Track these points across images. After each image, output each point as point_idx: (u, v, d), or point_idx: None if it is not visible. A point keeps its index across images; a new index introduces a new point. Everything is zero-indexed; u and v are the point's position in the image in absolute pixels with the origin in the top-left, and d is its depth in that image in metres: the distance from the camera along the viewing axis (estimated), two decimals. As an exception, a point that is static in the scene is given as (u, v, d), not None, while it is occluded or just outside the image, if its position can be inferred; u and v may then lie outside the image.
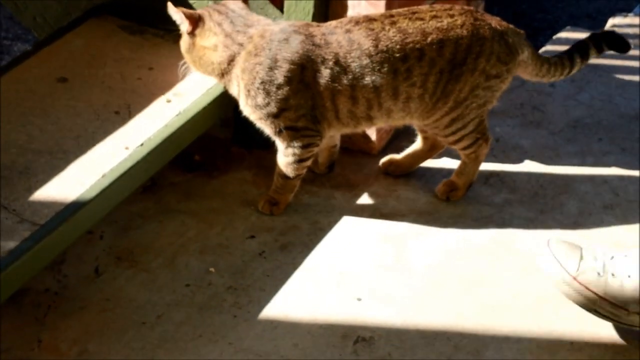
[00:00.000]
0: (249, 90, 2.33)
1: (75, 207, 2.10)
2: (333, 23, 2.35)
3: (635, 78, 2.96)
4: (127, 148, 2.25)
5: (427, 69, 2.30)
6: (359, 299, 2.25)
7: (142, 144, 2.26)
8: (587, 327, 2.19)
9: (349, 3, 2.53)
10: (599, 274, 2.10)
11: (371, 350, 2.14)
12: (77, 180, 2.16)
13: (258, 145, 2.64)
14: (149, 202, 2.48)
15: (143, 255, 2.33)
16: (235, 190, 2.53)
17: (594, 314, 2.12)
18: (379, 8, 2.48)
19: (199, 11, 2.35)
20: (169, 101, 2.39)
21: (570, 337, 2.18)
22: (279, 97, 2.31)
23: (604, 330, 2.18)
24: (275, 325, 2.18)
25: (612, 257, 2.12)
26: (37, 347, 2.10)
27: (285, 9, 2.54)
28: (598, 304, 2.10)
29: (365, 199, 2.53)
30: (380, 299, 2.25)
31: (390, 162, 2.60)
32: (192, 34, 2.33)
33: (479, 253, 2.37)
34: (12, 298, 2.11)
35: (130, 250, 2.34)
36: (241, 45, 2.32)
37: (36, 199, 2.10)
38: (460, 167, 2.51)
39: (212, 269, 2.31)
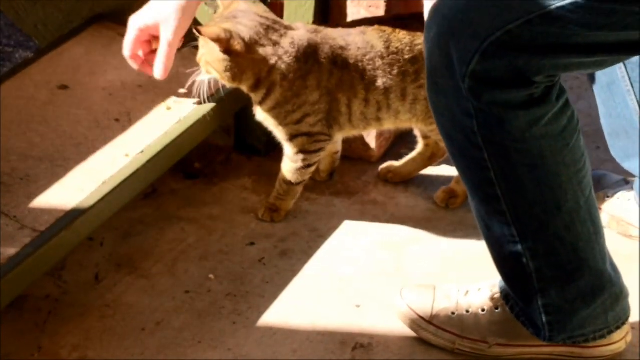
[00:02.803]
0: (285, 97, 2.32)
1: (75, 214, 2.11)
2: (347, 24, 2.37)
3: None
4: (127, 155, 2.26)
5: None
6: (358, 306, 2.26)
7: (142, 151, 2.27)
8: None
9: (349, 12, 2.54)
10: (452, 313, 2.13)
11: (369, 356, 2.15)
12: (78, 187, 2.17)
13: (258, 152, 2.65)
14: (149, 209, 2.49)
15: (143, 262, 2.34)
16: (235, 197, 2.54)
17: (458, 352, 2.14)
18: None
19: (226, 26, 2.28)
20: (169, 109, 2.40)
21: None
22: (307, 103, 2.32)
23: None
24: (275, 332, 2.19)
25: (467, 292, 2.15)
26: (37, 353, 2.10)
27: (285, 18, 2.55)
28: (458, 343, 2.13)
29: (364, 206, 2.54)
30: (379, 306, 2.25)
31: (389, 170, 2.61)
32: (227, 51, 2.27)
33: (478, 260, 2.38)
34: (13, 304, 2.11)
35: (130, 256, 2.35)
36: (284, 50, 2.31)
37: (37, 206, 2.11)
38: (460, 174, 2.52)
39: (211, 276, 2.32)
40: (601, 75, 2.38)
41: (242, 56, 2.28)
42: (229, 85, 2.35)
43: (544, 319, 2.04)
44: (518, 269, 2.00)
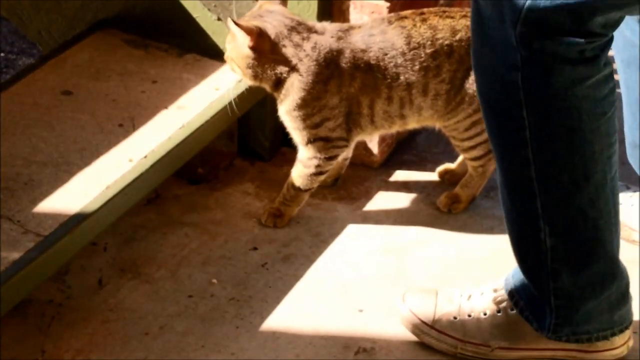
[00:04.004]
0: (304, 100, 2.33)
1: (79, 219, 2.11)
2: (368, 23, 2.38)
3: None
4: (131, 160, 2.27)
5: (455, 65, 2.32)
6: (361, 310, 2.27)
7: (145, 156, 2.28)
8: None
9: (351, 17, 2.55)
10: (455, 317, 2.14)
11: (372, 360, 2.16)
12: (81, 192, 2.17)
13: (261, 158, 2.66)
14: (152, 214, 2.50)
15: (146, 267, 2.35)
16: (238, 202, 2.55)
17: (460, 356, 2.14)
18: (381, 22, 2.50)
19: (254, 23, 2.30)
20: None
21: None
22: (326, 107, 2.33)
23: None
24: (277, 336, 2.20)
25: (469, 297, 2.15)
26: (41, 357, 2.11)
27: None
28: (460, 347, 2.13)
29: (367, 211, 2.54)
30: (382, 310, 2.26)
31: (447, 171, 2.61)
32: (254, 47, 2.29)
33: (480, 265, 2.38)
34: (16, 308, 2.12)
35: (134, 261, 2.36)
36: (305, 52, 2.32)
37: (40, 211, 2.12)
38: (466, 179, 2.52)
39: (214, 281, 2.32)
40: (636, 87, 2.38)
41: (265, 55, 2.30)
42: (250, 83, 2.37)
43: (552, 303, 2.03)
44: (534, 248, 1.99)
